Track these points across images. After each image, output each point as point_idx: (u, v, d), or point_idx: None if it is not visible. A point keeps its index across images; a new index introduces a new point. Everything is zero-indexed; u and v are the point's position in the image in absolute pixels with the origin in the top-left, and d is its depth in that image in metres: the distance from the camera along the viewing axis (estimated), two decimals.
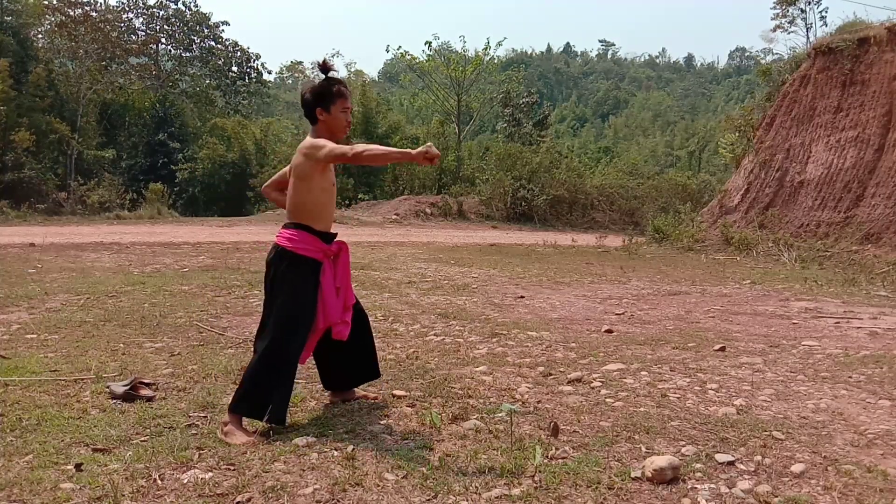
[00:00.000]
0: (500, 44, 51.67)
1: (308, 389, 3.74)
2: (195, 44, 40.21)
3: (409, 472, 2.65)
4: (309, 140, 3.23)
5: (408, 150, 3.07)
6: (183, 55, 40.29)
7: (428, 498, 2.45)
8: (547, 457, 2.82)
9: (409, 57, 35.15)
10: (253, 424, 3.11)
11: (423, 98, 38.10)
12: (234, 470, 2.65)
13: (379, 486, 2.53)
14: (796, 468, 2.76)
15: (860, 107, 16.01)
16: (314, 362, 3.59)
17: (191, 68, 40.56)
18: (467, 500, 2.43)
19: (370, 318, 3.76)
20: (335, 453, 2.83)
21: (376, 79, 76.54)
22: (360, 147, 3.07)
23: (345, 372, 3.56)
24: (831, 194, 15.82)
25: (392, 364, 4.38)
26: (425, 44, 34.97)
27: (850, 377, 4.31)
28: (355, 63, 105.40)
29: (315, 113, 3.25)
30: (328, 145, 3.13)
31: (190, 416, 3.26)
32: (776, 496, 2.50)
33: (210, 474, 2.60)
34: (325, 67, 3.33)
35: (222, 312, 6.11)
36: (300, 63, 61.47)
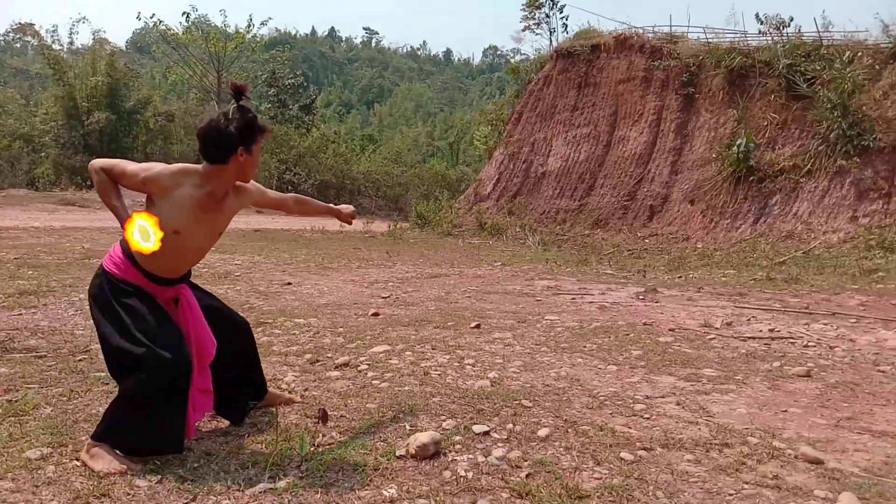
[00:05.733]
0: (264, 23, 49.97)
1: (42, 395, 3.28)
2: None
3: (164, 475, 2.45)
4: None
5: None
6: None
7: (186, 501, 2.28)
8: (314, 445, 2.78)
9: (163, 27, 32.33)
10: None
11: (178, 72, 35.35)
12: None
13: (129, 494, 2.30)
14: (542, 432, 3.02)
15: (593, 106, 18.12)
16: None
17: None
18: (229, 499, 2.30)
19: None
20: (75, 464, 2.52)
21: (124, 48, 69.04)
22: None
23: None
24: (568, 184, 17.75)
25: None
26: (183, 14, 32.43)
27: (584, 347, 4.86)
28: (104, 31, 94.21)
29: (235, 153, 2.60)
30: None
31: None
32: (526, 460, 2.72)
33: None
34: (238, 91, 2.66)
35: None
36: (31, 25, 53.16)
